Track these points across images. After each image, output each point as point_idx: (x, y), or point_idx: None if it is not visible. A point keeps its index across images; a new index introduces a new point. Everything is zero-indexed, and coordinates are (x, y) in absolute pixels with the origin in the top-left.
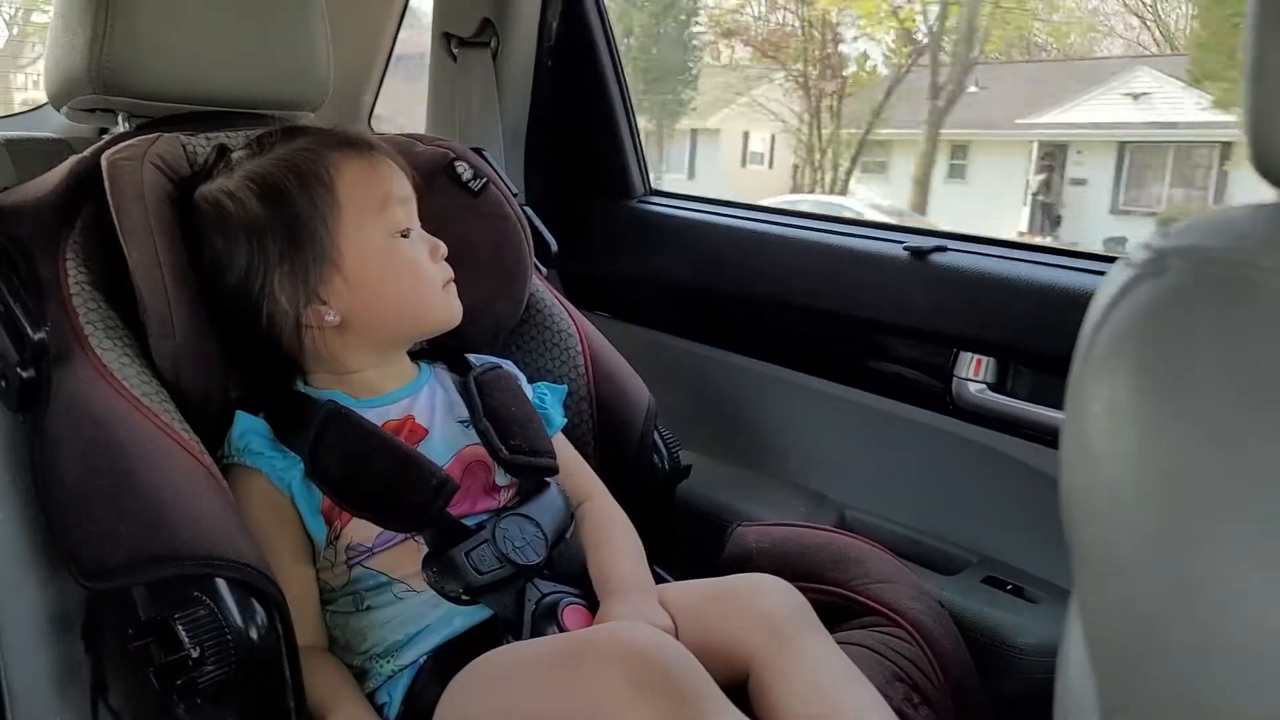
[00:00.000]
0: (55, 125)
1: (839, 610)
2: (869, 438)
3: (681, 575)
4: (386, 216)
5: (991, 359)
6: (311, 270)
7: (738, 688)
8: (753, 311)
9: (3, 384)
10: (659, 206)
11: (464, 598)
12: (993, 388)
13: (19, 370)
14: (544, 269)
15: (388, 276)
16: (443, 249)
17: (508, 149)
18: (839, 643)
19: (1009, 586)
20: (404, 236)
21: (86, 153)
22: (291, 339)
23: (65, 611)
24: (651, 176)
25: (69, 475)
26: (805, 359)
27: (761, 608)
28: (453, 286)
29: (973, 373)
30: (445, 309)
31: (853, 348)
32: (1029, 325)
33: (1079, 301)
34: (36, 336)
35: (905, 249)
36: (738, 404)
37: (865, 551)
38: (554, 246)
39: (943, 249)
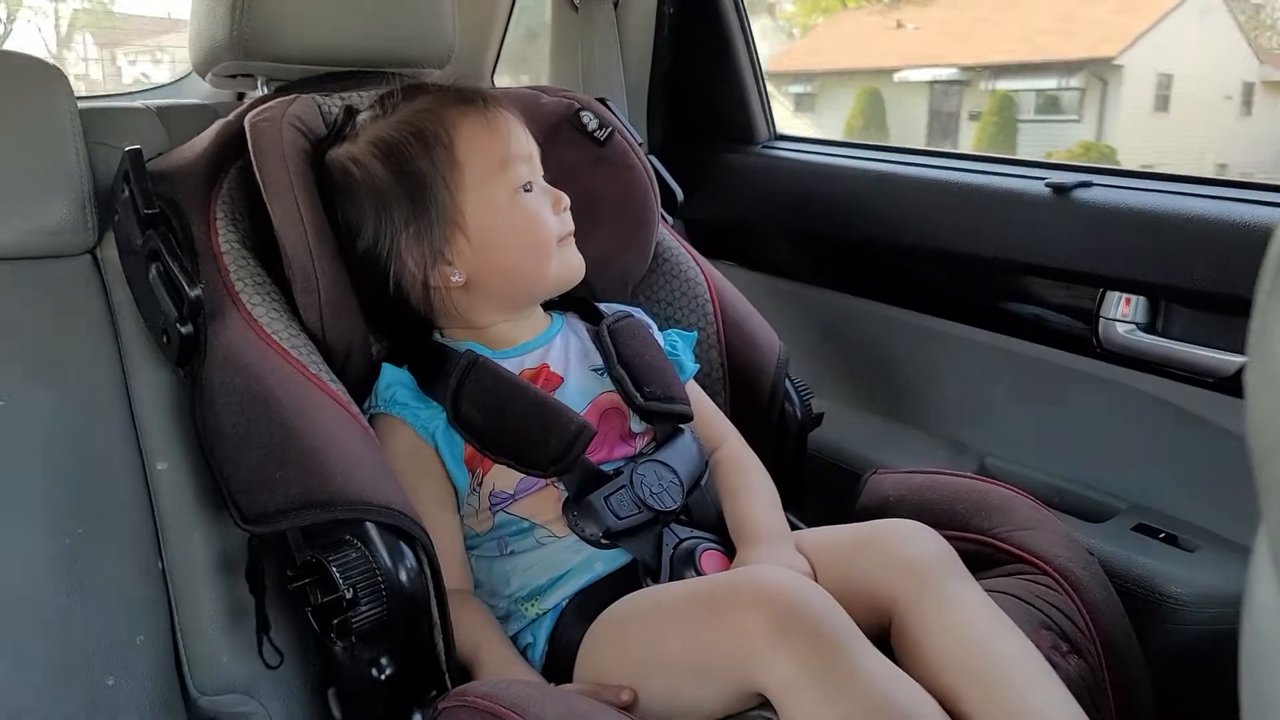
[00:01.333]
0: (199, 93)
1: (982, 559)
2: (1008, 383)
3: (815, 525)
4: (507, 174)
5: (1142, 298)
6: (436, 232)
7: (880, 635)
8: (884, 256)
9: (164, 339)
10: (784, 151)
11: (603, 541)
12: (1143, 328)
13: (178, 326)
14: (670, 218)
15: (511, 234)
16: (565, 201)
17: (631, 98)
18: None
19: (1161, 535)
20: (526, 191)
21: (230, 117)
22: (421, 299)
23: (229, 554)
24: None
25: (227, 425)
26: (939, 303)
27: (905, 553)
28: (571, 241)
29: (1121, 313)
30: (565, 266)
31: (990, 290)
32: (1184, 261)
33: (1242, 234)
34: (193, 293)
35: (1047, 185)
36: (870, 350)
37: (1008, 498)
38: (679, 195)
39: (1088, 184)
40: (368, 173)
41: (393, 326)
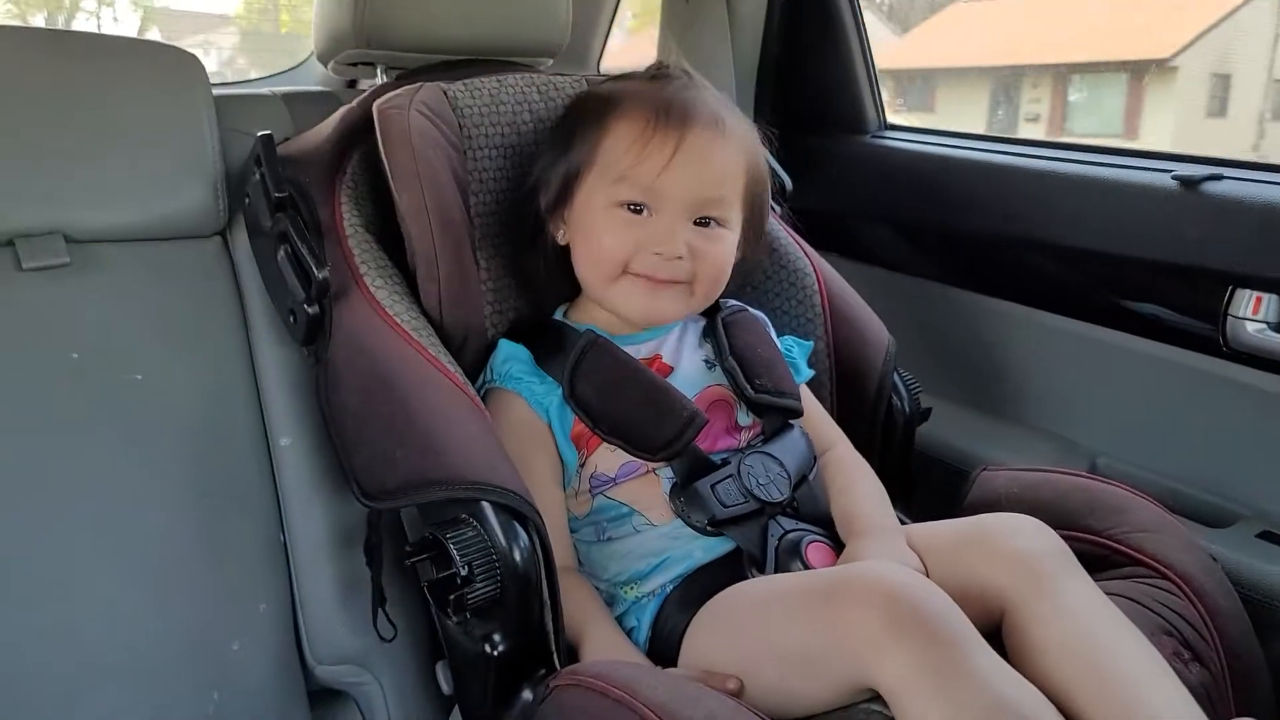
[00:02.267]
0: (313, 79)
1: (1097, 560)
2: (1125, 382)
3: (920, 520)
4: (616, 186)
5: (1275, 296)
6: (559, 183)
7: (992, 632)
8: (997, 249)
9: (291, 319)
10: (895, 141)
11: (708, 529)
12: (1274, 327)
13: (305, 307)
14: (778, 207)
15: (585, 235)
16: (671, 251)
17: (740, 87)
18: None
19: None
20: (631, 210)
21: (354, 103)
22: (552, 251)
23: (348, 529)
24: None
25: (350, 404)
26: (1054, 298)
27: (1017, 547)
28: (653, 286)
29: (1251, 312)
30: (627, 302)
31: (1108, 286)
32: None
33: None
34: (321, 275)
35: (1174, 178)
36: (981, 346)
37: (1126, 499)
38: (788, 184)
39: (1218, 177)
40: (566, 115)
41: (520, 301)
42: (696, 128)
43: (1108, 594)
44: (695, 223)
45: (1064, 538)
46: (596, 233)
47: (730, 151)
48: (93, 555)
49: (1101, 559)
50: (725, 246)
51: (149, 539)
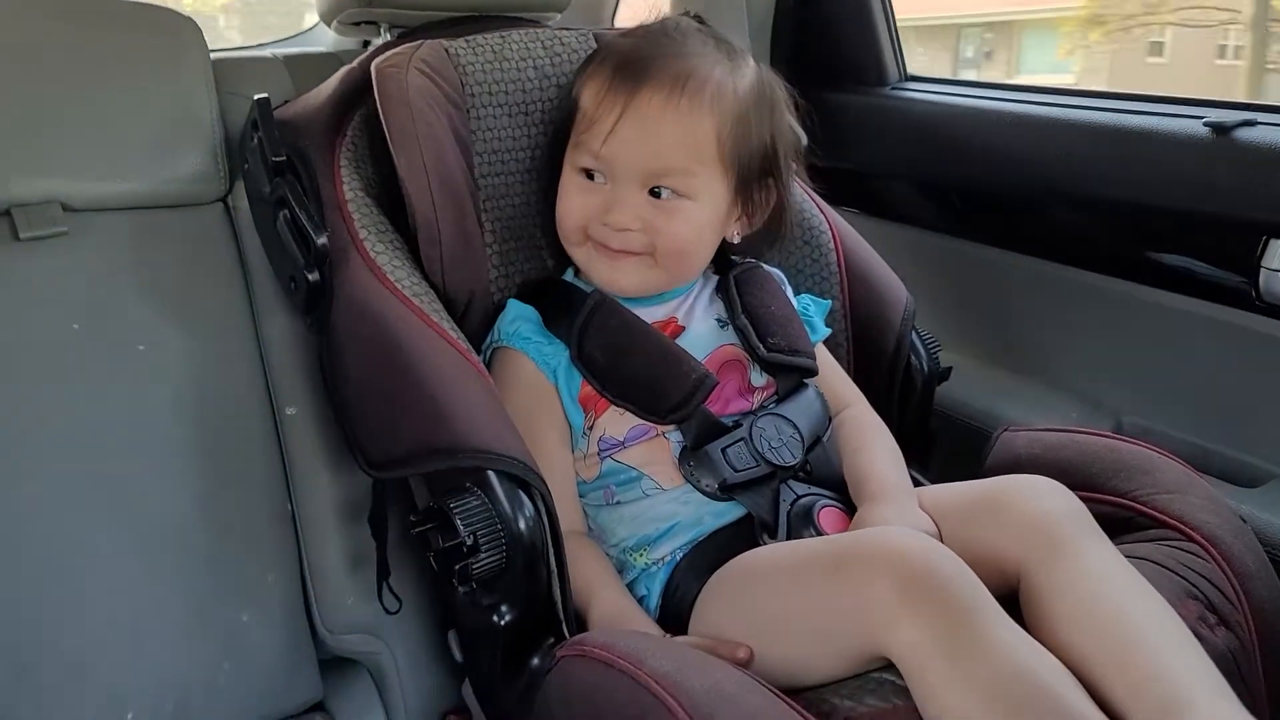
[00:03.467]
0: (326, 43)
1: (1120, 523)
2: (1151, 337)
3: (940, 482)
4: (576, 151)
5: None
6: (553, 141)
7: (1009, 597)
8: (1021, 203)
9: (292, 286)
10: (915, 93)
11: (718, 493)
12: None
13: (305, 273)
14: (795, 164)
15: (558, 196)
16: (619, 221)
17: (754, 39)
18: None
19: None
20: (588, 177)
21: (354, 63)
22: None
23: (355, 499)
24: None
25: (352, 372)
26: (1079, 252)
27: (1033, 509)
28: (612, 256)
29: None
30: (591, 268)
31: (1135, 238)
32: None
33: None
34: (320, 241)
35: (1206, 124)
36: (1003, 303)
37: (1151, 459)
38: (804, 139)
39: (1251, 123)
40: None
41: (529, 264)
42: (649, 89)
43: (1131, 557)
44: (651, 193)
45: (1086, 500)
46: (562, 195)
47: (692, 113)
48: (98, 528)
49: (1125, 521)
50: (686, 220)
51: (155, 511)
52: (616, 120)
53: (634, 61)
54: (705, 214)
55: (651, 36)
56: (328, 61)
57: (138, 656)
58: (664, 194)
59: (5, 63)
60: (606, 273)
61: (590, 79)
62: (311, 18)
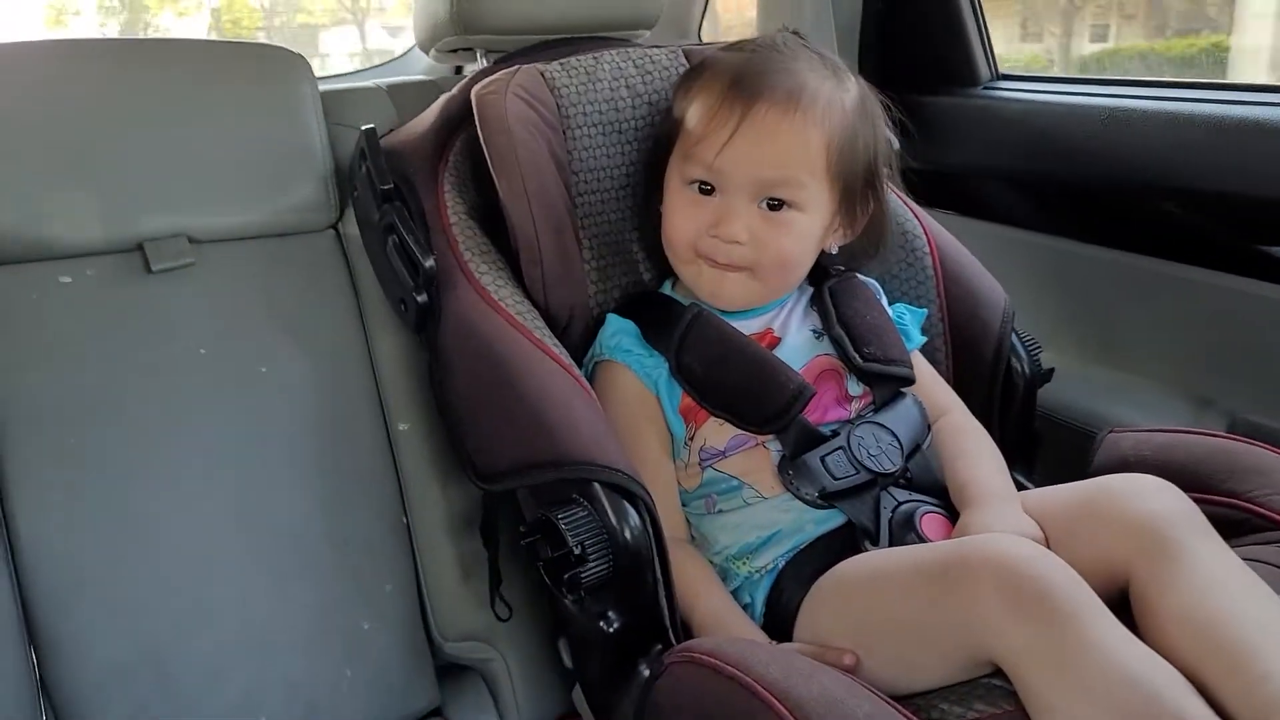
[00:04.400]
0: (419, 69)
1: (1235, 525)
2: (1263, 332)
3: (1045, 486)
4: (685, 163)
5: None
6: (654, 155)
7: (1118, 600)
8: (1121, 199)
9: (402, 308)
10: (1008, 92)
11: (819, 502)
12: None
13: (415, 295)
14: (887, 169)
15: (665, 211)
16: (730, 233)
17: (842, 43)
18: None
19: None
20: (701, 191)
21: (454, 90)
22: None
23: (465, 511)
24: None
25: (461, 389)
26: (1184, 249)
27: (1140, 509)
28: (719, 270)
29: None
30: (700, 283)
31: (1242, 232)
32: None
33: None
34: (428, 264)
35: None
36: (1106, 301)
37: (1266, 458)
38: (895, 144)
39: None
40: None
41: (627, 279)
42: (764, 103)
43: (1247, 560)
44: (768, 205)
45: (1198, 501)
46: (670, 211)
47: (805, 127)
48: (227, 540)
49: (1240, 523)
50: (794, 233)
51: (279, 523)
52: (733, 132)
53: (749, 76)
54: (812, 227)
55: (761, 52)
56: (428, 89)
57: (268, 662)
58: (782, 206)
59: (133, 110)
60: (713, 286)
61: (699, 93)
62: None
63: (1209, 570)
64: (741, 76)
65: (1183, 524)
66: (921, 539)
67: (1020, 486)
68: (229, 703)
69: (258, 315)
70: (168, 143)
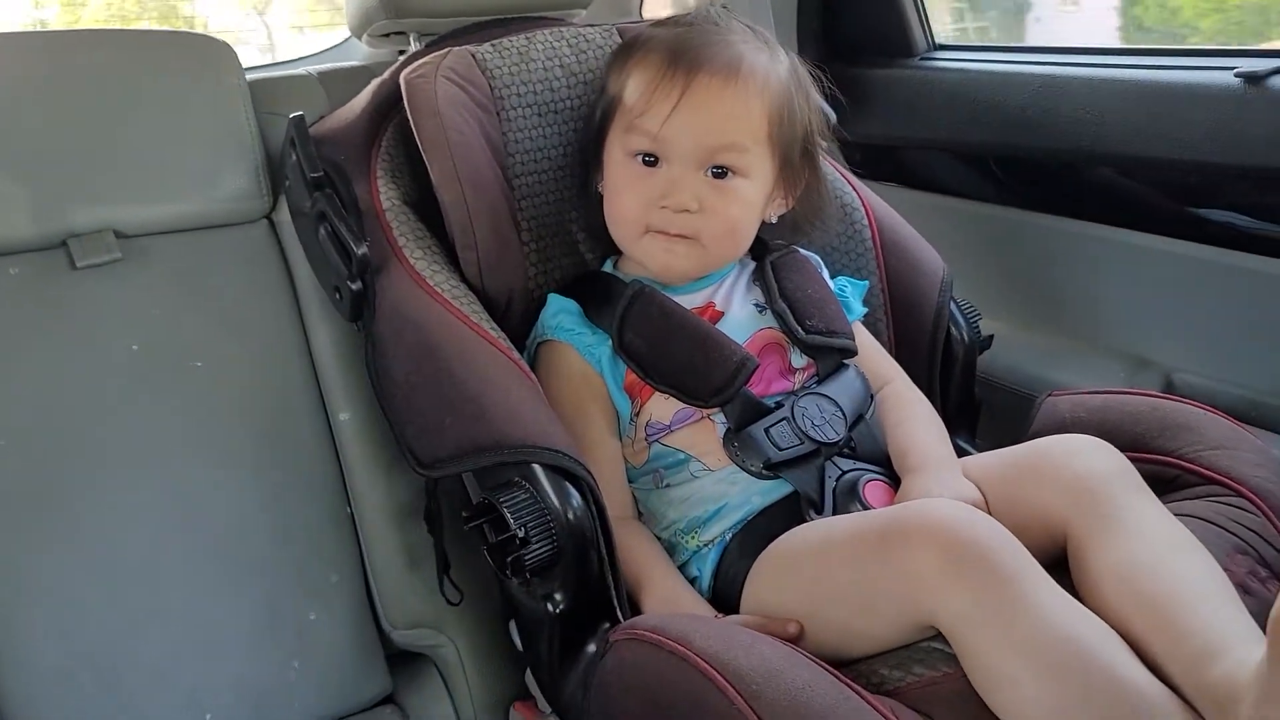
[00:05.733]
0: (359, 56)
1: (1168, 481)
2: (1197, 293)
3: (989, 450)
4: (629, 135)
5: None
6: (592, 132)
7: (1057, 560)
8: (1055, 166)
9: (337, 296)
10: (944, 63)
11: (764, 472)
12: None
13: (349, 283)
14: (824, 143)
15: (609, 187)
16: (675, 201)
17: (778, 18)
18: None
19: None
20: (645, 162)
21: (385, 75)
22: (598, 205)
23: (409, 499)
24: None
25: (398, 376)
26: (1116, 212)
27: (1076, 469)
28: (668, 240)
29: None
30: (649, 258)
31: (1172, 195)
32: None
33: None
34: (360, 251)
35: (1237, 75)
36: (1043, 267)
37: (1197, 416)
38: (833, 118)
39: None
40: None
41: (565, 262)
42: (705, 73)
43: (1180, 515)
44: (713, 173)
45: (1133, 460)
46: (617, 188)
47: (746, 96)
48: (168, 538)
49: (1173, 480)
50: (740, 199)
51: (220, 519)
52: (676, 103)
53: (687, 49)
54: (756, 194)
55: (697, 26)
56: (361, 75)
57: (213, 659)
58: (726, 173)
59: (53, 100)
60: (664, 258)
61: (637, 67)
62: None
63: (1142, 527)
64: (681, 49)
65: (1117, 482)
66: (865, 507)
67: (963, 452)
68: (174, 703)
69: (191, 309)
70: (93, 135)
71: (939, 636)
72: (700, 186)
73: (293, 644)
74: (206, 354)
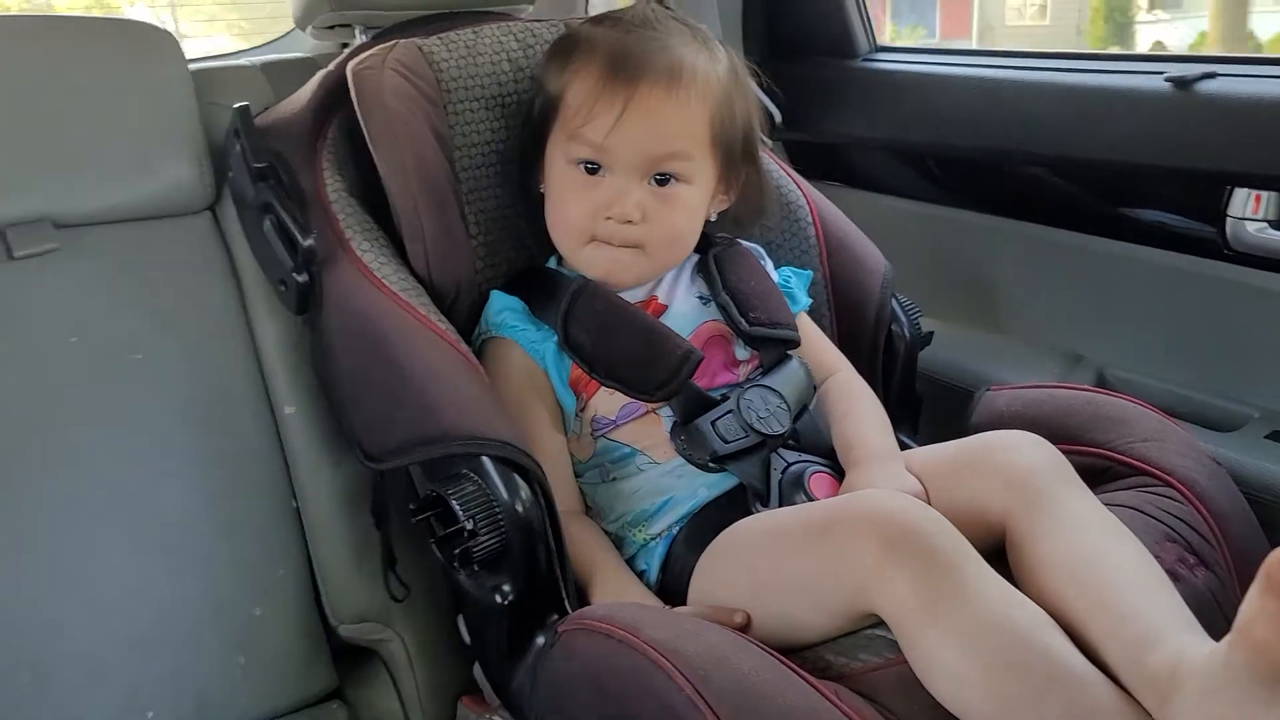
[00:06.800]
0: (304, 48)
1: (1099, 473)
2: (1128, 290)
3: (929, 444)
4: (571, 143)
5: (1273, 194)
6: (532, 132)
7: (996, 551)
8: (993, 167)
9: (282, 288)
10: (885, 64)
11: (710, 465)
12: (1275, 225)
13: (294, 275)
14: (768, 140)
15: (551, 193)
16: (619, 212)
17: (724, 17)
18: None
19: None
20: (588, 170)
21: (331, 66)
22: (539, 203)
23: (357, 492)
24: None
25: (345, 368)
26: (1052, 212)
27: (1014, 463)
28: (612, 250)
29: (1251, 211)
30: (592, 266)
31: (1106, 196)
32: None
33: None
34: (306, 243)
35: (1167, 80)
36: (981, 265)
37: (1128, 409)
38: (777, 117)
39: (1211, 75)
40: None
41: (512, 255)
42: (647, 83)
43: (1111, 505)
44: (656, 181)
45: (1067, 452)
46: (560, 195)
47: (688, 103)
48: (108, 533)
49: (1104, 471)
50: (683, 206)
51: (162, 513)
52: (620, 114)
53: (628, 56)
54: (699, 197)
55: (634, 30)
56: (305, 66)
57: (154, 656)
58: (670, 180)
59: None
60: (607, 265)
61: (578, 74)
62: None
63: (1077, 518)
64: (621, 57)
65: (1052, 475)
66: (810, 498)
67: (904, 445)
68: (115, 701)
69: (131, 301)
70: (31, 122)
71: (883, 624)
72: (644, 196)
73: (237, 640)
74: (147, 346)
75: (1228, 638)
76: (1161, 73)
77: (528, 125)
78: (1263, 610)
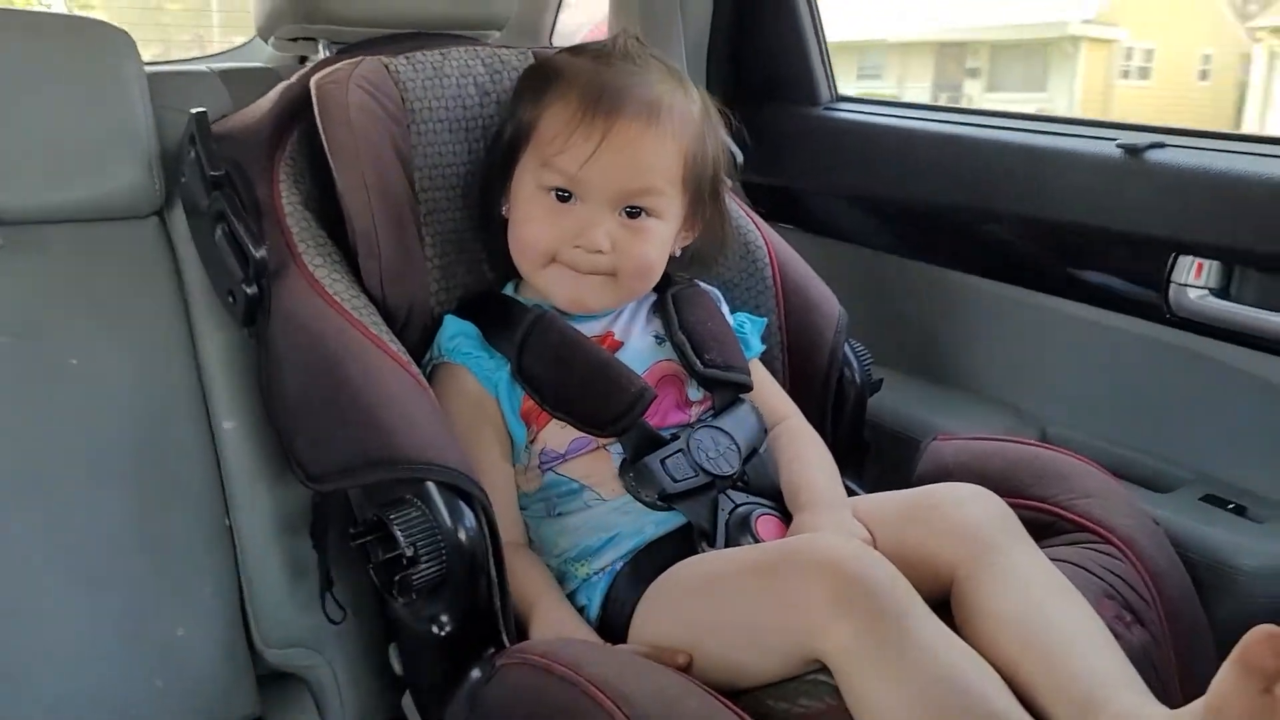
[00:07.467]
0: (261, 58)
1: (1043, 527)
2: (1073, 349)
3: (874, 492)
4: (543, 170)
5: (1215, 263)
6: (501, 156)
7: (941, 601)
8: (948, 219)
9: (230, 300)
10: (846, 113)
11: (659, 504)
12: (1216, 293)
13: (244, 287)
14: (730, 181)
15: (514, 217)
16: (588, 242)
17: (690, 58)
18: None
19: (1230, 505)
20: (560, 198)
21: (293, 79)
22: (501, 228)
23: (294, 512)
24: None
25: (290, 385)
26: (1004, 268)
27: (963, 516)
28: (579, 278)
29: (1193, 278)
30: (553, 290)
31: (1055, 255)
32: (1261, 225)
33: None
34: (258, 254)
35: (1119, 146)
36: (932, 316)
37: (1071, 466)
38: (739, 157)
39: (1160, 145)
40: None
41: (469, 278)
42: (625, 118)
43: (1054, 560)
44: (627, 213)
45: (1012, 505)
46: (525, 217)
47: (664, 139)
48: (32, 543)
49: (1048, 526)
50: (652, 239)
51: (89, 525)
52: (597, 146)
53: (607, 89)
54: (668, 232)
55: (614, 63)
56: (265, 76)
57: (75, 672)
58: (640, 214)
59: None
60: (571, 292)
61: (556, 104)
62: None
63: (1024, 573)
64: (599, 90)
65: (1000, 529)
66: (756, 540)
67: (851, 491)
68: (34, 715)
69: (69, 303)
70: None
71: (825, 669)
72: (614, 227)
73: (158, 660)
74: (83, 350)
75: (1193, 709)
76: (1114, 139)
77: (495, 148)
78: (1235, 689)
